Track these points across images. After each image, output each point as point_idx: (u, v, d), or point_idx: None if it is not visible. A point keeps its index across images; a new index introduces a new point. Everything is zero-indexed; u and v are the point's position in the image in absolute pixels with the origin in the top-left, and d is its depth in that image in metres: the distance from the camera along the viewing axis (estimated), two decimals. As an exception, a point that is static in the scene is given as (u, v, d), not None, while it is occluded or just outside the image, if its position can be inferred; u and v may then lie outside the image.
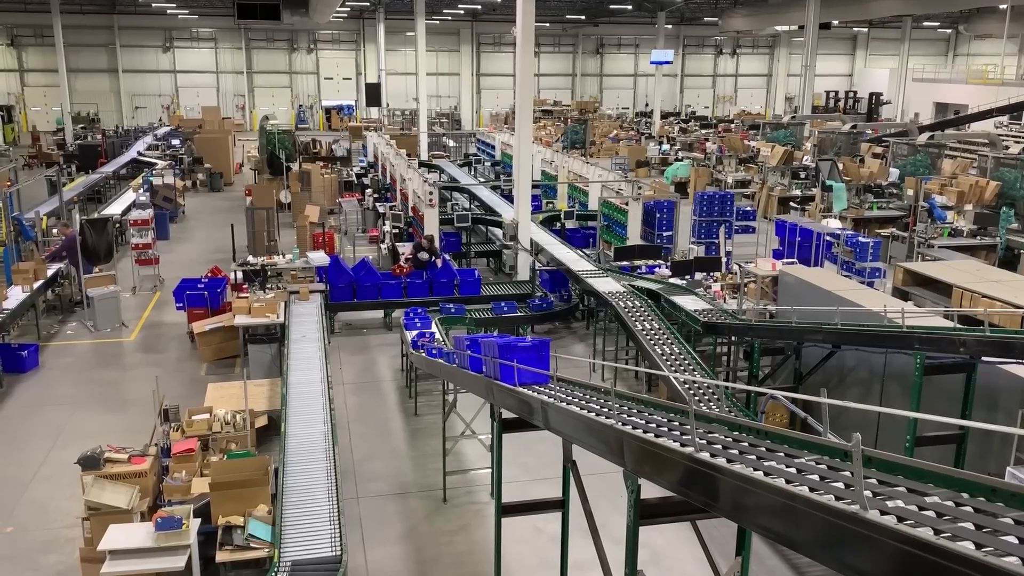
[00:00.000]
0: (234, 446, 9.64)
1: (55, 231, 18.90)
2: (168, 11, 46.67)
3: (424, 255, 16.65)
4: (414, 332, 12.70)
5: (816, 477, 3.56)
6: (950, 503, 3.10)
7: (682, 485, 4.24)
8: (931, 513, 3.00)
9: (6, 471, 10.64)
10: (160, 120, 47.70)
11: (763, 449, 4.17)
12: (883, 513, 2.98)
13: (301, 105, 53.55)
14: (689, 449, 4.15)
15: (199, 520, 7.59)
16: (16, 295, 14.82)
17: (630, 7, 47.06)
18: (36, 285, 15.43)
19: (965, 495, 3.16)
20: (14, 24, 47.96)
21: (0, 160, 36.88)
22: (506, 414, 7.39)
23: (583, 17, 52.09)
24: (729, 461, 3.94)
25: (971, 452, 8.79)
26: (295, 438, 9.02)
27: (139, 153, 32.54)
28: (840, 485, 3.40)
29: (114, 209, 22.00)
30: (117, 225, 20.70)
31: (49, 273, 16.27)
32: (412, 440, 11.67)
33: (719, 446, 4.27)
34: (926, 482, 3.34)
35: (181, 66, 51.50)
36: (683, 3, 44.27)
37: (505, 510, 7.53)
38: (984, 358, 8.39)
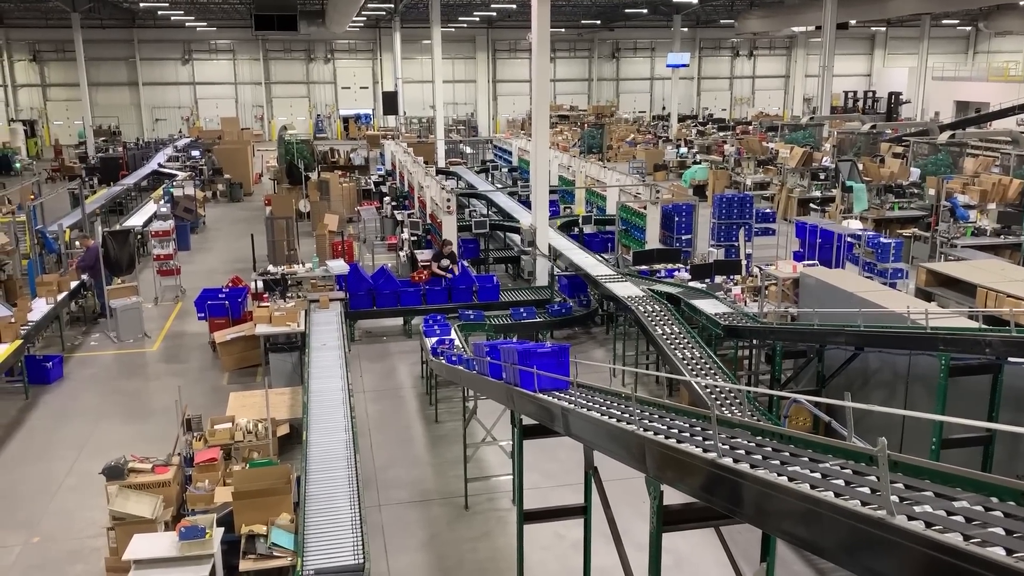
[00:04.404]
0: (256, 455, 9.68)
1: (77, 243, 19.11)
2: (187, 24, 47.14)
3: (445, 262, 16.69)
4: (434, 339, 12.70)
5: (841, 482, 3.52)
6: (979, 508, 3.05)
7: (705, 491, 4.20)
8: (959, 518, 2.95)
9: (33, 482, 10.75)
10: (180, 132, 48.17)
11: (787, 454, 4.13)
12: (910, 518, 2.94)
13: (319, 115, 53.90)
14: (712, 455, 4.12)
15: (222, 529, 7.61)
16: (40, 307, 14.99)
17: (645, 11, 46.99)
18: (60, 297, 15.59)
19: (994, 499, 3.11)
20: (36, 40, 48.67)
21: (24, 174, 37.38)
22: (527, 420, 7.37)
23: (598, 22, 52.07)
24: (752, 467, 3.90)
25: (999, 454, 8.67)
26: (317, 446, 9.03)
27: (159, 165, 32.83)
28: (866, 490, 3.36)
29: (135, 221, 22.23)
30: (139, 236, 20.90)
31: (73, 285, 16.44)
32: (433, 447, 11.68)
33: (742, 451, 4.24)
34: (954, 486, 3.29)
35: (200, 78, 52.02)
36: (698, 6, 44.16)
37: (527, 517, 7.50)
38: (1011, 359, 8.28)
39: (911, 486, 3.40)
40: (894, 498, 3.04)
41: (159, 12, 43.56)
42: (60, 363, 14.54)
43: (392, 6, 41.66)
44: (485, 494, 10.27)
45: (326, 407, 10.13)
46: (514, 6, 42.43)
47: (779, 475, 3.70)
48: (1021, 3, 39.33)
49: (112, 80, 50.15)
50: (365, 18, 45.97)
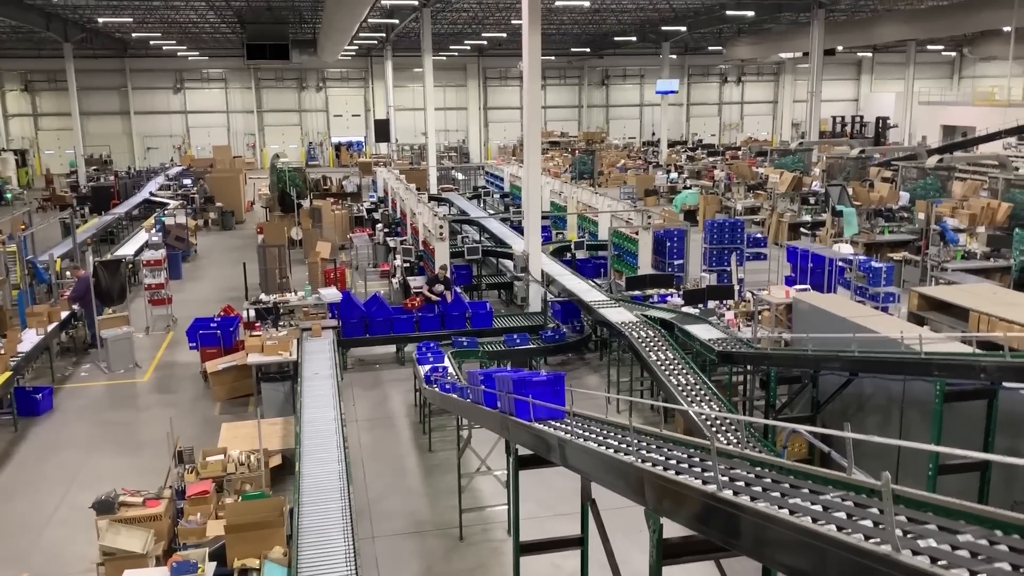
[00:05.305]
0: (249, 487, 9.59)
1: (68, 273, 19.01)
2: (178, 53, 47.32)
3: (439, 287, 16.66)
4: (427, 367, 12.66)
5: (843, 515, 3.49)
6: (983, 542, 3.02)
7: (705, 524, 4.16)
8: (964, 553, 2.92)
9: (22, 516, 10.60)
10: (172, 160, 48.19)
11: (786, 485, 4.10)
12: (915, 553, 2.91)
13: (311, 142, 54.06)
14: (711, 487, 4.08)
15: (215, 563, 7.52)
16: (31, 338, 14.87)
17: (634, 38, 47.43)
18: (50, 327, 15.47)
19: (998, 533, 3.08)
20: (28, 69, 48.78)
21: (15, 204, 37.29)
22: (522, 450, 7.31)
23: (588, 49, 52.51)
24: (752, 499, 3.86)
25: (996, 479, 8.63)
26: (310, 477, 8.94)
27: (151, 193, 32.82)
28: (868, 523, 3.32)
29: (127, 250, 22.15)
30: (130, 266, 20.82)
31: (64, 315, 16.32)
32: (427, 477, 11.58)
33: (741, 483, 4.20)
34: (957, 519, 3.26)
35: (192, 106, 52.15)
36: (687, 33, 44.59)
37: (523, 548, 7.43)
38: (1006, 384, 8.27)
39: (913, 519, 3.36)
40: (897, 532, 3.01)
41: (151, 42, 43.74)
42: (50, 394, 14.40)
43: (384, 35, 41.95)
44: (480, 525, 10.18)
45: (319, 437, 10.05)
46: (504, 35, 42.78)
47: (780, 508, 3.66)
48: (1005, 29, 39.83)
49: (104, 109, 50.22)
50: (357, 47, 46.26)
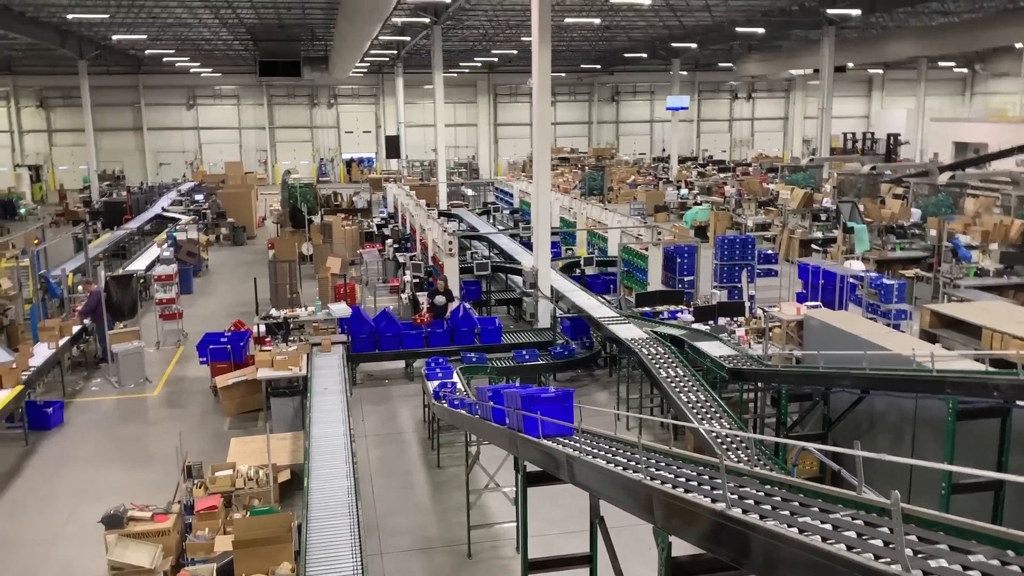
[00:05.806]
0: (257, 502, 9.58)
1: (80, 288, 19.12)
2: (191, 70, 47.75)
3: (441, 299, 16.70)
4: (436, 382, 12.64)
5: (853, 534, 3.46)
6: (995, 562, 2.98)
7: (715, 543, 4.13)
8: (976, 573, 2.88)
9: (31, 530, 10.62)
10: (184, 176, 48.56)
11: (796, 504, 4.06)
12: (926, 574, 2.88)
13: (322, 158, 54.36)
14: (721, 505, 4.05)
15: (222, 579, 7.51)
16: (42, 352, 14.94)
17: (644, 55, 47.61)
18: (62, 342, 15.55)
19: (1011, 553, 3.04)
20: (43, 86, 49.30)
21: (28, 219, 37.60)
22: (531, 467, 7.29)
23: (598, 66, 52.71)
24: (762, 518, 3.83)
25: (1010, 498, 8.55)
26: (318, 493, 8.93)
27: (163, 209, 33.04)
28: (878, 543, 3.29)
29: (138, 265, 22.25)
30: (141, 280, 20.92)
31: (75, 330, 16.40)
32: (435, 493, 11.54)
33: (751, 501, 4.17)
34: (968, 539, 3.22)
35: (204, 123, 52.57)
36: (697, 50, 44.72)
37: (531, 566, 7.39)
38: (1019, 402, 8.20)
39: (924, 538, 3.33)
40: (908, 551, 2.98)
41: (164, 59, 44.15)
42: (61, 409, 14.45)
43: (395, 52, 42.23)
44: (488, 542, 10.13)
45: (328, 453, 10.04)
46: (515, 52, 43.01)
47: (790, 527, 3.63)
48: (1017, 45, 39.80)
49: (117, 125, 50.69)
50: (368, 64, 46.57)
